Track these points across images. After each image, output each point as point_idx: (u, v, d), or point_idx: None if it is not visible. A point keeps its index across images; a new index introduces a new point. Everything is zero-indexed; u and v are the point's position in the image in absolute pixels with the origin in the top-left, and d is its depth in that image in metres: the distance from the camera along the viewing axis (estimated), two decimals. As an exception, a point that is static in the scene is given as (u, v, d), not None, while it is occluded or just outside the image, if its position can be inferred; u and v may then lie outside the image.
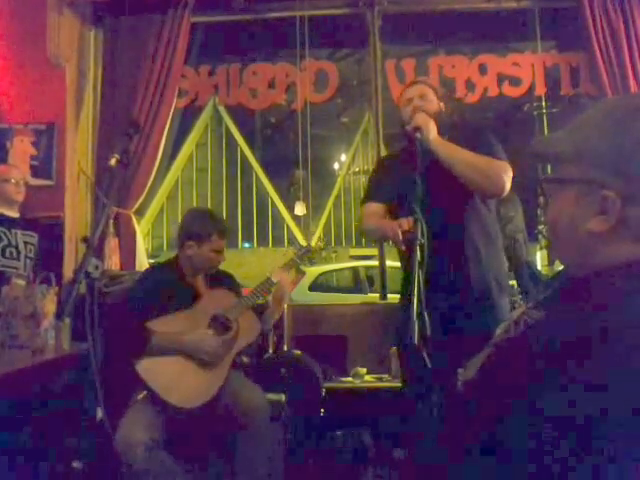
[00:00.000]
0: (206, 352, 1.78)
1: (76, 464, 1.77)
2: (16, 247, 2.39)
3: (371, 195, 1.85)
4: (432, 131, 1.63)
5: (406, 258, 1.57)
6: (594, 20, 2.81)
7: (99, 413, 1.65)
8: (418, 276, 1.13)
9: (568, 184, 0.61)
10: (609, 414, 0.46)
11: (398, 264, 1.85)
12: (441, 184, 1.57)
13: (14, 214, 2.46)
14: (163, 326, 1.80)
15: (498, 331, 0.69)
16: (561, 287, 0.65)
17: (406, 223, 1.42)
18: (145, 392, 1.73)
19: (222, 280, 2.02)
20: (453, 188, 1.62)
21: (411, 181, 1.34)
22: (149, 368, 1.75)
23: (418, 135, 1.60)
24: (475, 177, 1.61)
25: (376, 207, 1.79)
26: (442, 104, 1.79)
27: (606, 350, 0.49)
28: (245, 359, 2.14)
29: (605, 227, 0.58)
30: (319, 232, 11.61)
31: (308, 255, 2.12)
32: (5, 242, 2.36)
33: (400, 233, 1.44)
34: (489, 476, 0.51)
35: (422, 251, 1.19)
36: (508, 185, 1.63)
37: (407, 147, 1.74)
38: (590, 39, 2.81)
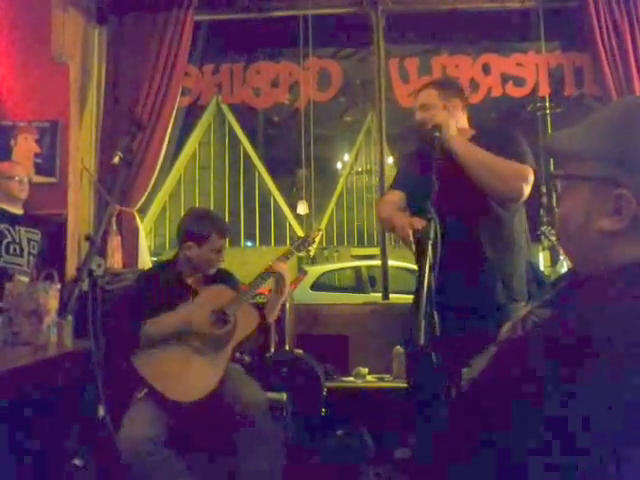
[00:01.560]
0: (199, 327, 1.79)
1: (77, 461, 1.78)
2: (19, 244, 2.40)
3: (395, 182, 1.83)
4: (452, 130, 1.62)
5: (418, 258, 1.55)
6: (599, 20, 2.80)
7: (100, 410, 1.65)
8: (429, 276, 1.12)
9: (582, 181, 0.60)
10: (610, 416, 0.46)
11: (400, 264, 1.85)
12: (454, 185, 1.55)
13: (18, 211, 2.46)
14: (160, 324, 1.80)
15: (504, 330, 0.69)
16: (568, 286, 0.64)
17: (419, 222, 1.40)
18: (145, 390, 1.74)
19: (220, 277, 2.02)
20: (467, 189, 1.59)
21: (427, 180, 1.33)
22: (147, 364, 1.76)
23: (437, 133, 1.58)
24: (491, 180, 1.57)
25: (395, 196, 1.76)
26: (454, 101, 1.71)
27: (610, 352, 0.48)
28: (247, 358, 2.15)
29: (618, 226, 0.57)
30: (321, 228, 11.61)
31: (305, 246, 2.11)
32: (9, 239, 2.37)
33: (411, 232, 1.43)
34: (489, 476, 0.51)
35: (434, 251, 1.18)
36: (526, 191, 1.58)
37: (423, 146, 1.71)
38: (595, 39, 2.80)
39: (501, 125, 1.72)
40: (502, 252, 1.63)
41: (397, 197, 1.75)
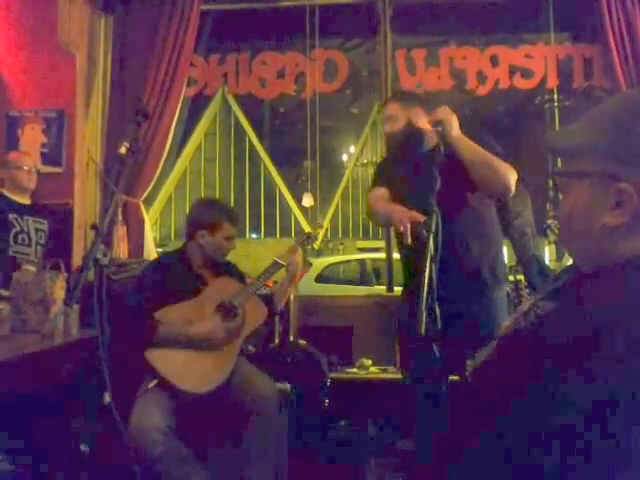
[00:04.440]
0: (215, 342, 1.80)
1: (84, 447, 1.80)
2: (27, 234, 2.42)
3: (378, 182, 1.89)
4: (454, 125, 1.66)
5: (410, 250, 1.57)
6: (610, 11, 2.76)
7: (106, 398, 1.67)
8: (430, 269, 1.13)
9: (583, 177, 0.60)
10: (609, 413, 0.46)
11: (405, 257, 1.86)
12: (444, 181, 1.58)
13: (25, 201, 2.48)
14: (170, 315, 1.81)
15: (507, 323, 0.68)
16: (572, 281, 0.64)
17: (419, 215, 1.42)
18: (155, 380, 1.75)
19: (227, 269, 2.03)
20: (450, 186, 1.60)
21: (429, 175, 1.34)
22: (159, 356, 1.77)
23: (439, 129, 1.62)
24: (490, 176, 1.64)
25: (384, 192, 1.83)
26: (415, 110, 1.79)
27: (610, 348, 0.48)
28: (251, 348, 2.16)
29: (620, 221, 0.57)
30: (326, 223, 11.59)
31: (309, 242, 2.13)
32: (17, 229, 2.39)
33: (409, 225, 1.44)
34: (489, 474, 0.51)
35: (435, 244, 1.19)
36: (514, 186, 1.68)
37: (396, 153, 1.80)
38: (605, 30, 2.76)
39: (474, 128, 1.78)
40: (486, 243, 1.75)
41: (385, 193, 1.82)
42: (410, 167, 1.71)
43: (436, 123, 1.64)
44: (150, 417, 1.63)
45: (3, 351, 1.55)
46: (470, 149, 1.65)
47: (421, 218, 1.40)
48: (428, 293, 1.10)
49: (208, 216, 1.93)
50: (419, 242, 1.33)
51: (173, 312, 1.83)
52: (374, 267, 6.63)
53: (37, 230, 2.46)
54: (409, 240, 1.44)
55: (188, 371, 1.75)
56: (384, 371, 2.58)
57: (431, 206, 1.26)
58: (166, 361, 1.76)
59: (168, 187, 12.34)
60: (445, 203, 1.58)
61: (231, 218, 1.95)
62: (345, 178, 13.37)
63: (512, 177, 1.66)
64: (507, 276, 1.83)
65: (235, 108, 13.15)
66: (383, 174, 1.92)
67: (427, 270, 1.13)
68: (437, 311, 1.09)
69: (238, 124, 13.36)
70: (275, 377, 2.05)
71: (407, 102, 1.84)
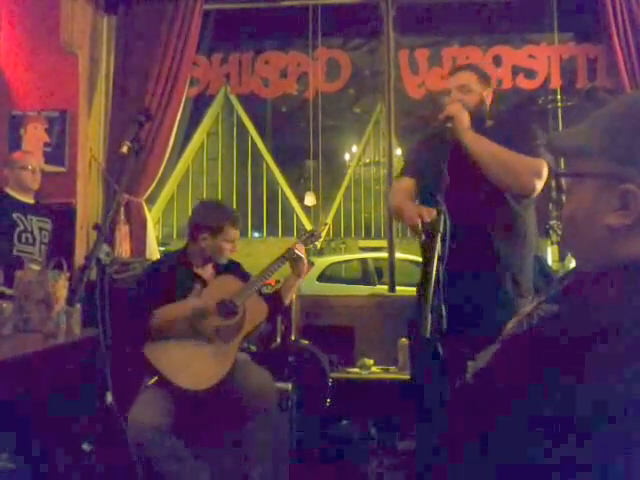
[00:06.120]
0: (207, 315, 1.80)
1: (86, 446, 1.81)
2: (31, 233, 2.43)
3: (405, 169, 1.79)
4: (464, 122, 1.58)
5: (425, 249, 1.54)
6: (614, 11, 2.75)
7: (108, 397, 1.67)
8: (437, 269, 1.11)
9: (587, 178, 0.60)
10: (609, 414, 0.46)
11: (407, 256, 1.85)
12: (467, 177, 1.53)
13: (29, 200, 2.49)
14: (170, 313, 1.82)
15: (509, 324, 0.68)
16: (575, 283, 0.64)
17: (428, 213, 1.37)
18: (156, 377, 1.76)
19: (229, 268, 2.03)
20: (480, 182, 1.57)
21: (436, 168, 1.31)
22: (158, 353, 1.78)
23: (449, 124, 1.56)
24: (502, 174, 1.55)
25: (406, 183, 1.72)
26: (488, 91, 1.71)
27: (611, 349, 0.48)
28: (253, 347, 2.16)
29: (625, 222, 0.56)
30: (329, 221, 11.59)
31: (312, 240, 2.13)
32: (21, 228, 2.40)
33: (420, 223, 1.41)
34: (489, 474, 0.51)
35: (442, 244, 1.16)
36: (538, 185, 1.56)
37: (434, 135, 1.68)
38: (609, 31, 2.75)
39: (519, 116, 1.72)
40: (514, 247, 1.62)
41: (407, 184, 1.72)
42: (434, 156, 1.51)
43: (446, 119, 1.58)
44: (146, 416, 1.63)
45: (5, 350, 1.56)
46: (479, 146, 1.56)
47: (429, 217, 1.36)
48: (435, 294, 1.08)
49: (211, 219, 1.93)
50: (427, 240, 1.30)
51: (174, 310, 1.83)
52: (376, 266, 6.63)
53: (41, 229, 2.46)
54: (421, 238, 1.41)
55: (187, 368, 1.76)
56: (386, 371, 2.58)
57: (439, 205, 1.23)
58: (165, 358, 1.76)
59: (170, 186, 12.36)
60: (472, 201, 1.54)
61: (233, 222, 1.95)
62: (347, 178, 13.37)
63: (533, 177, 1.54)
64: (531, 290, 1.64)
65: (237, 107, 13.16)
66: (416, 157, 1.77)
67: (434, 271, 1.11)
68: (443, 312, 1.07)
69: (240, 123, 13.38)
70: (277, 376, 2.05)
71: (484, 80, 1.70)
